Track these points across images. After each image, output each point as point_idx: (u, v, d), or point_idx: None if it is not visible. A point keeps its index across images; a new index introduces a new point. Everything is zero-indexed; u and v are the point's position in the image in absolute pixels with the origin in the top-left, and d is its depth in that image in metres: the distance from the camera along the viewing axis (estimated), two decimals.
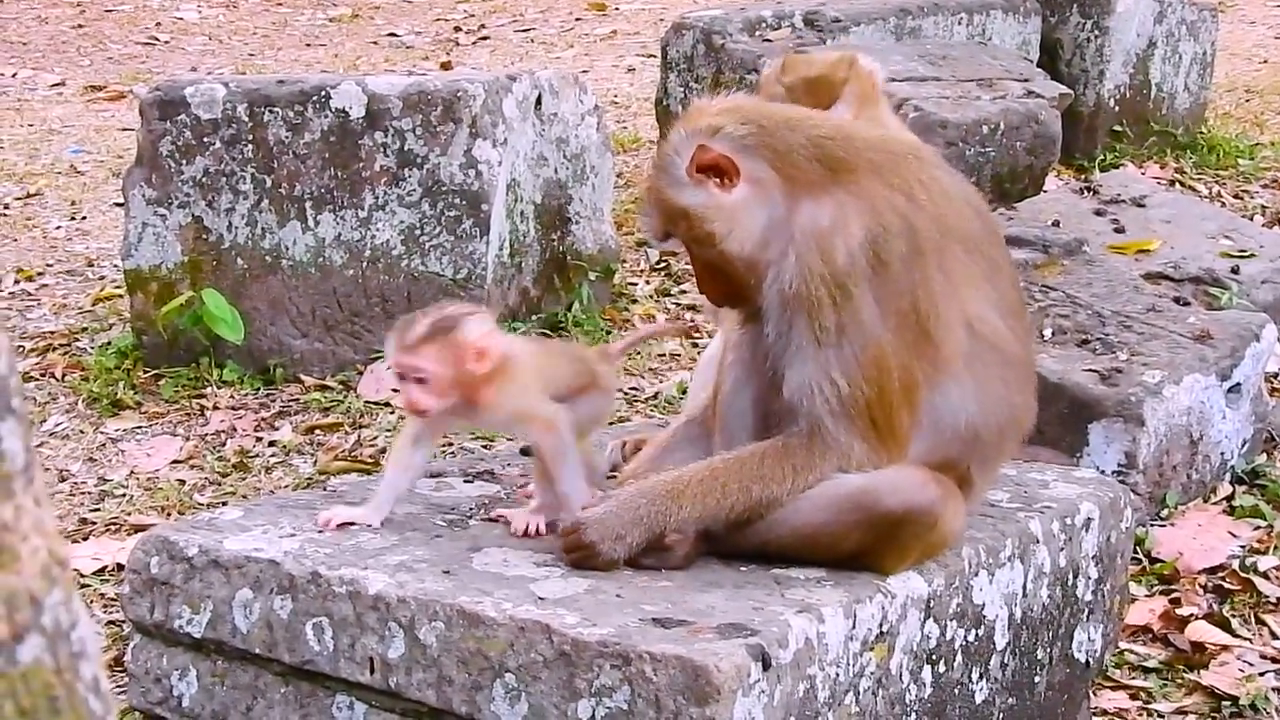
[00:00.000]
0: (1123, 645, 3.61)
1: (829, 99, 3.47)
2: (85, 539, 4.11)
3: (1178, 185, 7.06)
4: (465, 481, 3.06)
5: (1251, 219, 6.54)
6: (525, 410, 2.76)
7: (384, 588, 2.47)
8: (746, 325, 2.74)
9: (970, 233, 2.78)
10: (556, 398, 2.82)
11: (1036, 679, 3.06)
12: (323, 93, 4.96)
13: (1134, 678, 3.59)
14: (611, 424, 4.67)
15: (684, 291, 5.67)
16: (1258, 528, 4.18)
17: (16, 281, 5.85)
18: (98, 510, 4.27)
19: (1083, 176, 6.90)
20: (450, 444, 4.56)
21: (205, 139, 4.97)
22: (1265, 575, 3.96)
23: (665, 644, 2.29)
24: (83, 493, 4.38)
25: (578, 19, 11.21)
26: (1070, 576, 3.12)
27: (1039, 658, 3.06)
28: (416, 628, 2.42)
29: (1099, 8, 7.25)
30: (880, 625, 2.60)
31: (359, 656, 2.48)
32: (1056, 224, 5.21)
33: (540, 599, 2.44)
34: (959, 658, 2.81)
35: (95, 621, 3.66)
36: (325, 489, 2.99)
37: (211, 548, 2.60)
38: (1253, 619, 3.81)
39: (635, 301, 5.63)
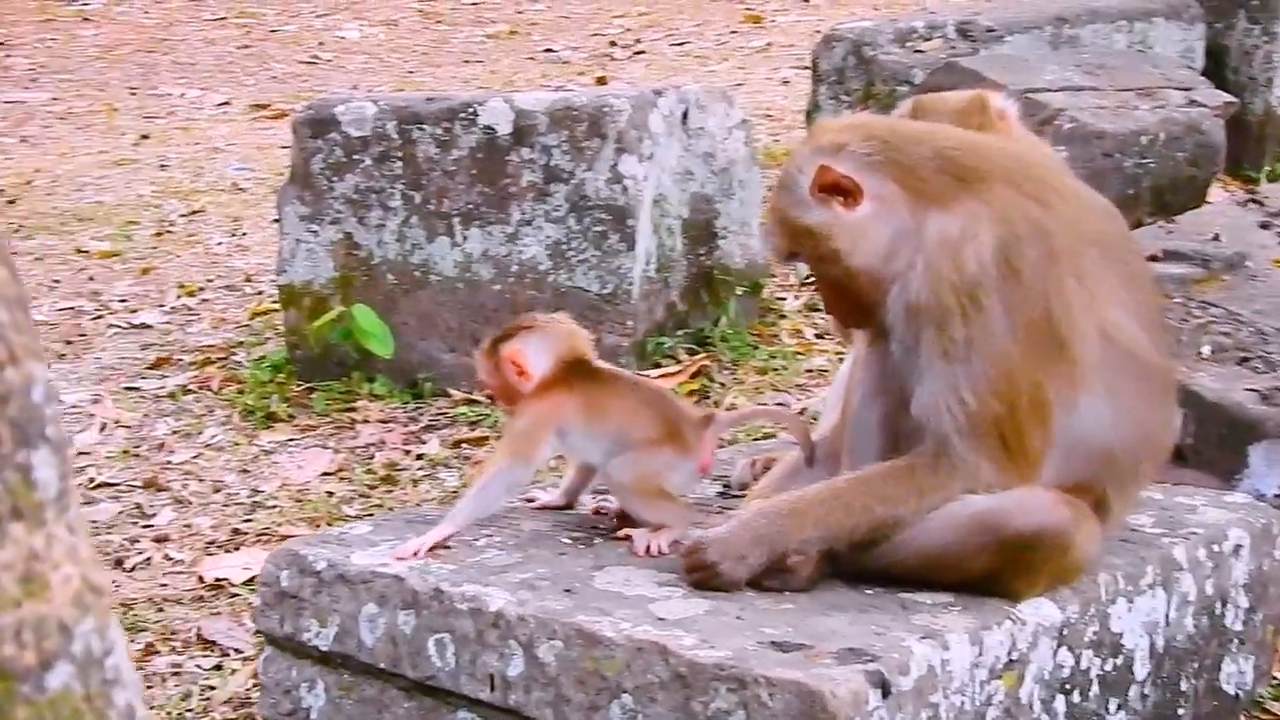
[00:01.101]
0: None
1: None
2: (236, 549, 4.20)
3: None
4: (594, 496, 3.07)
5: None
6: (511, 435, 2.81)
7: (504, 605, 2.49)
8: (874, 344, 2.71)
9: (1105, 238, 2.72)
10: (621, 443, 2.78)
11: (1180, 711, 2.97)
12: (470, 110, 5.03)
13: None
14: (755, 440, 4.67)
15: None
16: None
17: (178, 296, 6.03)
18: (249, 521, 4.37)
19: (1250, 188, 6.71)
20: None
21: (356, 156, 5.07)
22: None
23: (782, 668, 2.28)
24: (236, 503, 4.49)
25: (733, 32, 11.20)
26: (1218, 606, 3.03)
27: (1183, 689, 2.97)
28: (535, 646, 2.44)
29: (1267, 13, 7.03)
30: (1009, 653, 2.55)
31: (479, 673, 2.50)
32: (1217, 238, 5.07)
33: (659, 619, 2.44)
34: (1095, 688, 2.74)
35: (245, 631, 3.74)
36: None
37: (339, 562, 2.65)
38: None
39: (784, 317, 5.61)
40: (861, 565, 2.62)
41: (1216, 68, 7.01)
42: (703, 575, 2.56)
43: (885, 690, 2.29)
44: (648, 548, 2.71)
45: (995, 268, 2.58)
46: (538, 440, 2.77)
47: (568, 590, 2.54)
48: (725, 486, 3.18)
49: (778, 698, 2.24)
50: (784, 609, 2.51)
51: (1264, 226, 5.54)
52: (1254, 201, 5.82)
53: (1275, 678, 3.44)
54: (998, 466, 2.57)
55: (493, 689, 2.49)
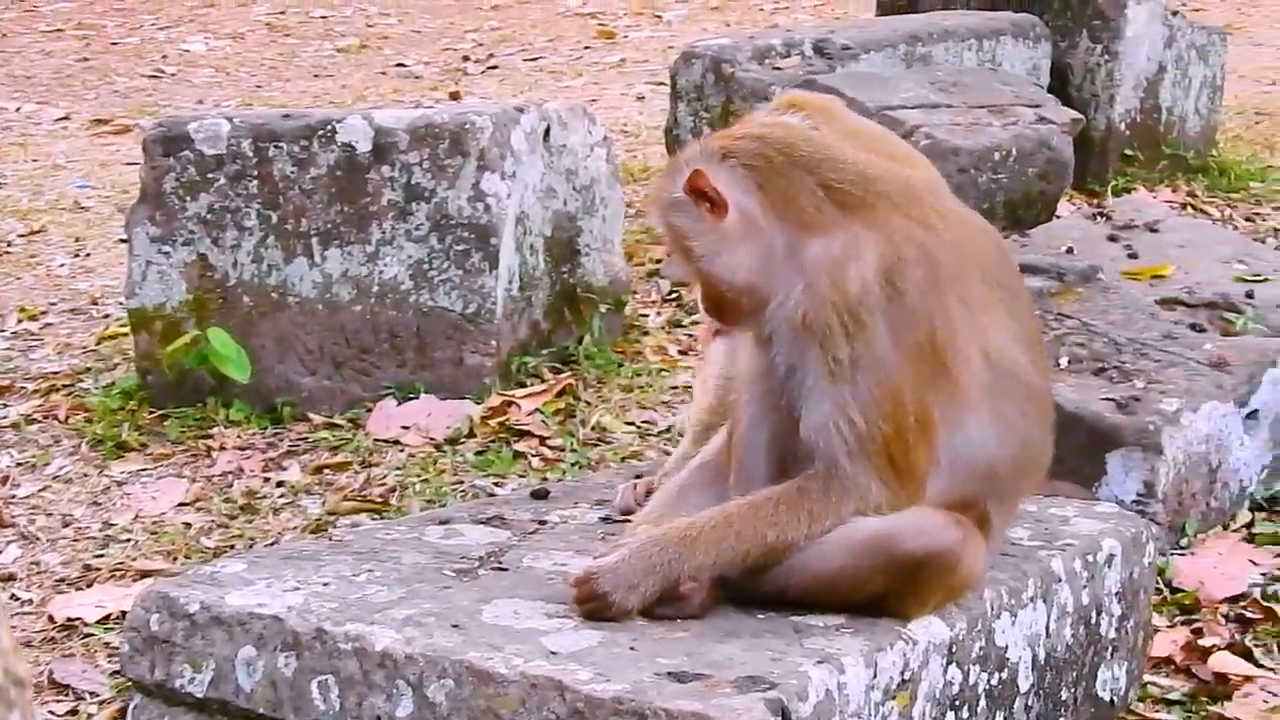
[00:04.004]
0: (1146, 677, 3.54)
1: None
2: (89, 586, 4.02)
3: (1190, 209, 6.99)
4: (475, 525, 2.99)
5: (1264, 242, 6.46)
6: None
7: (391, 644, 2.39)
8: (759, 349, 2.68)
9: (988, 261, 2.73)
10: None
11: (1061, 719, 2.99)
12: (329, 127, 4.91)
13: (1157, 710, 3.52)
14: (623, 459, 4.61)
15: (696, 323, 5.61)
16: (1278, 555, 4.11)
17: (19, 321, 5.79)
18: (102, 556, 4.18)
19: (1095, 201, 6.85)
20: (461, 483, 4.51)
21: (209, 175, 4.92)
22: None
23: (681, 700, 2.22)
24: (87, 538, 4.29)
25: (586, 47, 11.18)
26: (1093, 615, 3.06)
27: (1063, 699, 2.99)
28: (425, 686, 2.35)
29: (1109, 32, 7.20)
30: (902, 673, 2.53)
31: (366, 716, 2.40)
32: (1070, 251, 5.15)
33: (552, 653, 2.37)
34: (982, 702, 2.74)
35: (100, 672, 3.58)
36: (331, 538, 2.92)
37: (213, 603, 2.53)
38: (1276, 649, 3.74)
39: (647, 334, 5.58)
40: (754, 590, 2.58)
41: (1061, 85, 7.16)
42: (594, 606, 2.50)
43: (786, 717, 2.25)
44: None
45: (879, 287, 2.56)
46: None
47: (456, 626, 2.45)
48: (606, 515, 3.12)
49: None
50: (678, 637, 2.46)
51: (1112, 239, 5.65)
52: (1102, 215, 5.93)
53: (1145, 682, 3.49)
54: (887, 487, 2.55)
55: None
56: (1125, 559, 3.14)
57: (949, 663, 2.64)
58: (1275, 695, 3.57)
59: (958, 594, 2.66)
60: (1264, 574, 4.01)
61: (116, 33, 11.91)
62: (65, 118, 9.41)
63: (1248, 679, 3.61)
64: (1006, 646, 2.79)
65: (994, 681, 2.76)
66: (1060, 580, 2.94)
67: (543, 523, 3.04)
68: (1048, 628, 2.90)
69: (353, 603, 2.54)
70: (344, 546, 2.82)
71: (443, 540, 2.88)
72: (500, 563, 2.77)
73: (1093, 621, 3.06)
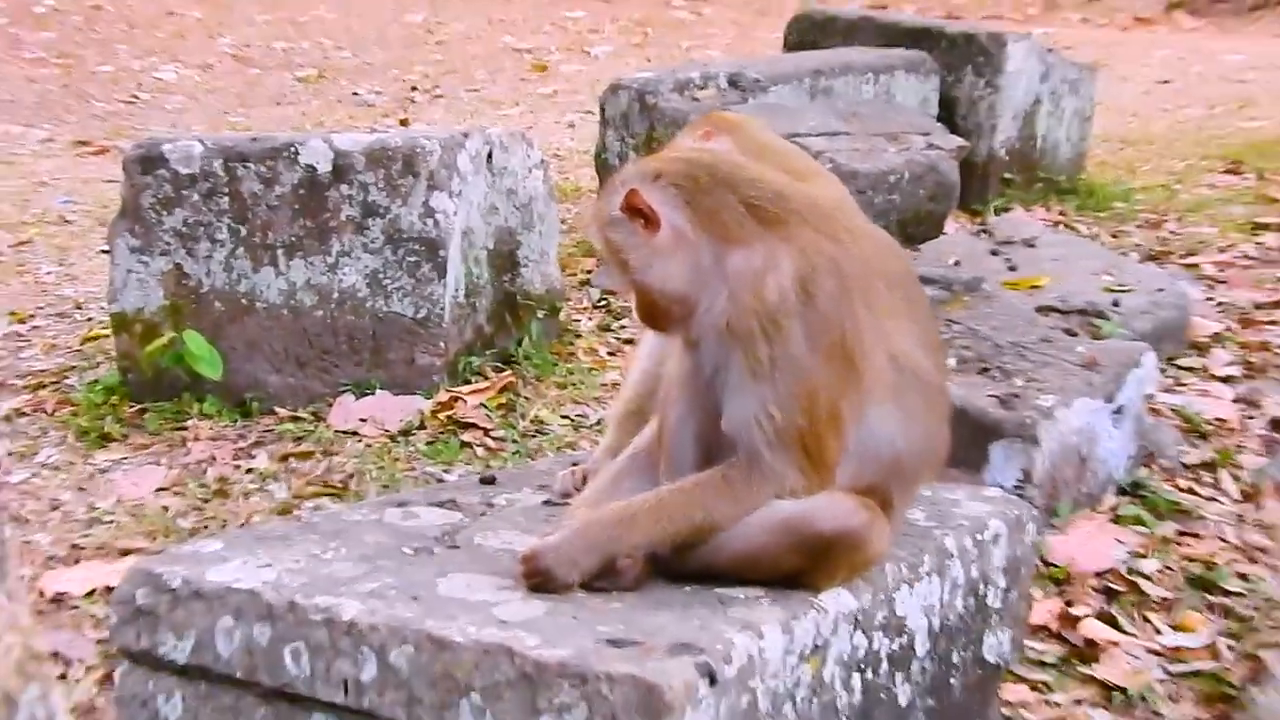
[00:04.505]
0: (1026, 642, 3.59)
1: None
2: (76, 563, 3.97)
3: (1062, 226, 7.08)
4: (430, 507, 2.97)
5: (1127, 256, 6.58)
6: None
7: (356, 614, 2.37)
8: (687, 351, 2.68)
9: (892, 272, 2.74)
10: None
11: (953, 681, 3.01)
12: (292, 149, 4.90)
13: (1034, 672, 3.57)
14: (559, 448, 4.61)
15: (623, 327, 5.62)
16: (1140, 534, 4.18)
17: (9, 324, 5.70)
18: (88, 536, 4.13)
19: (978, 220, 6.92)
20: (414, 470, 4.48)
21: (184, 192, 4.88)
22: (1148, 577, 3.96)
23: (620, 664, 2.21)
24: (73, 520, 4.24)
25: (522, 79, 11.15)
26: (981, 587, 3.08)
27: (955, 662, 3.01)
28: (387, 652, 2.33)
29: (991, 68, 7.28)
30: (814, 639, 2.54)
31: (334, 679, 2.38)
32: (957, 264, 5.21)
33: (502, 622, 2.35)
34: (884, 665, 2.76)
35: (87, 641, 3.53)
36: (299, 519, 2.88)
37: (194, 579, 2.49)
38: (1139, 616, 3.81)
39: (579, 336, 5.58)
40: (683, 566, 2.58)
41: (949, 115, 7.23)
42: (540, 580, 2.49)
43: (713, 679, 2.25)
44: None
45: (795, 295, 2.57)
46: None
47: (415, 598, 2.43)
48: (548, 499, 3.11)
49: (618, 691, 2.18)
50: (614, 608, 2.45)
51: (994, 254, 5.72)
52: (984, 232, 6.01)
53: (1025, 647, 3.54)
54: (802, 474, 2.56)
55: (346, 693, 2.37)
56: (1009, 538, 3.17)
57: (856, 630, 2.65)
58: (1138, 658, 3.63)
59: (863, 569, 2.67)
60: (1128, 550, 4.08)
61: (95, 61, 11.72)
62: (49, 139, 9.27)
63: (1113, 644, 3.68)
64: (906, 615, 2.81)
65: (895, 647, 2.78)
66: (952, 556, 2.96)
67: (491, 505, 3.03)
68: (941, 599, 2.92)
69: (321, 578, 2.51)
70: (311, 527, 2.79)
71: (401, 521, 2.85)
72: (454, 541, 2.75)
73: (980, 593, 3.08)
